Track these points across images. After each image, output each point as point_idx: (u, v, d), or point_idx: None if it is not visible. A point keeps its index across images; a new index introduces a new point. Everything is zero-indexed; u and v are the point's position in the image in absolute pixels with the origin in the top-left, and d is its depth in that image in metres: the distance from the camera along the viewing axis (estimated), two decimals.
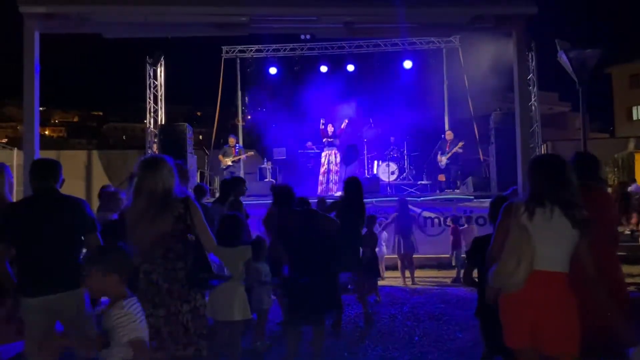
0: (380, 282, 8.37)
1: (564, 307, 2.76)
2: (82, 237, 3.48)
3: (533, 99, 13.44)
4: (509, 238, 2.89)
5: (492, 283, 2.96)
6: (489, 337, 3.78)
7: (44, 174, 3.51)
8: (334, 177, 12.56)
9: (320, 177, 12.81)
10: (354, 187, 6.25)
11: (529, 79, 13.11)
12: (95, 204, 8.98)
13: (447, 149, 13.06)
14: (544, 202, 2.82)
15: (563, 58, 7.54)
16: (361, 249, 6.39)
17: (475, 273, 3.90)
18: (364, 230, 6.83)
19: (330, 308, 4.52)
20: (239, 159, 13.46)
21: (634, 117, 39.12)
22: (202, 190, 6.62)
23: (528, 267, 2.79)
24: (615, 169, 16.42)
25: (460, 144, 13.05)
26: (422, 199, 10.98)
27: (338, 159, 12.80)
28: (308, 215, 4.69)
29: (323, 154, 12.98)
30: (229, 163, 13.33)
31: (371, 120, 14.56)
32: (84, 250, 3.65)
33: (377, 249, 8.80)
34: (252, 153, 14.57)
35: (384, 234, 9.24)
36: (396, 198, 9.64)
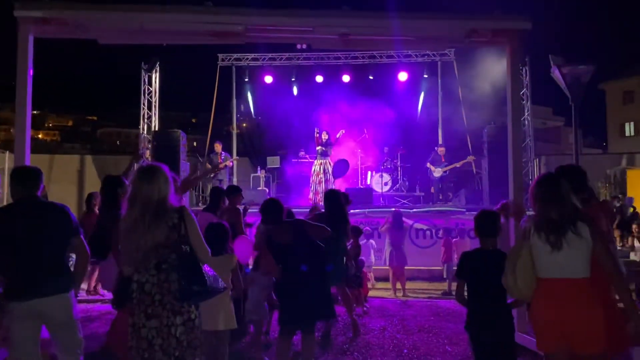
0: (370, 294, 8.37)
1: (588, 310, 2.98)
2: (67, 241, 3.51)
3: (526, 114, 13.54)
4: (518, 256, 3.16)
5: (510, 295, 3.28)
6: (478, 351, 3.77)
7: (25, 182, 3.54)
8: (331, 186, 12.52)
9: (316, 187, 12.75)
10: (333, 199, 6.25)
11: (523, 93, 13.22)
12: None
13: (442, 161, 13.08)
14: (551, 219, 3.06)
15: (556, 74, 7.58)
16: (345, 261, 6.36)
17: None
18: (349, 243, 6.86)
19: (324, 315, 4.45)
20: (225, 166, 13.44)
21: (627, 134, 39.43)
22: None
23: (526, 281, 3.10)
24: (607, 185, 16.51)
25: (471, 158, 13.09)
26: (414, 210, 10.99)
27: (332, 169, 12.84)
28: (297, 224, 4.67)
29: (317, 163, 12.94)
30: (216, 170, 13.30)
31: (365, 131, 14.62)
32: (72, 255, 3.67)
33: (364, 258, 8.86)
34: (238, 159, 14.56)
35: (373, 243, 9.25)
36: (393, 209, 9.64)
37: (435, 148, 13.67)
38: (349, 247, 6.83)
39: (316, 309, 4.33)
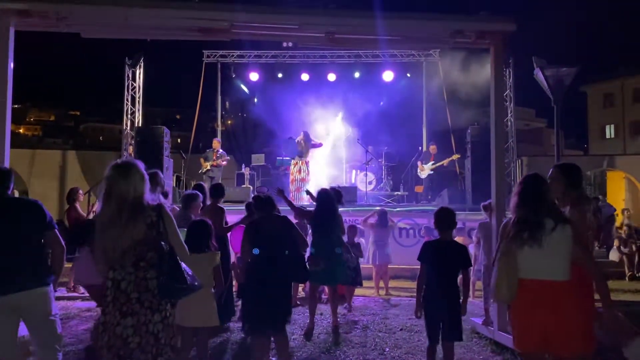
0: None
1: (567, 312, 3.00)
2: (41, 236, 3.51)
3: (509, 115, 13.67)
4: (498, 258, 3.22)
5: (492, 297, 3.38)
6: (429, 324, 4.34)
7: None
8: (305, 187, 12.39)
9: (294, 188, 12.64)
10: (324, 199, 6.28)
11: (506, 94, 13.34)
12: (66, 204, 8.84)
13: (431, 160, 13.13)
14: (533, 218, 3.09)
15: (539, 75, 7.67)
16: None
17: None
18: (345, 239, 7.01)
19: (284, 317, 4.47)
20: (218, 164, 13.40)
21: (607, 136, 40.05)
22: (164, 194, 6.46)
23: (511, 287, 3.11)
24: (588, 186, 16.76)
25: (456, 156, 13.16)
26: (398, 209, 11.04)
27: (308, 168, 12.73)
28: (287, 221, 4.70)
29: (293, 162, 12.80)
30: (208, 167, 13.27)
31: (350, 130, 14.62)
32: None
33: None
34: (229, 158, 14.52)
35: (362, 241, 9.26)
36: (378, 208, 9.67)
37: (420, 148, 13.71)
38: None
39: (277, 312, 4.35)
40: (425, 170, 13.18)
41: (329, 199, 6.31)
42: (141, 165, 3.19)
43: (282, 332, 4.46)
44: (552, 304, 3.02)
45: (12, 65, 5.36)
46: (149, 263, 3.04)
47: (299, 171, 12.51)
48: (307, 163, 12.64)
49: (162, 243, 3.08)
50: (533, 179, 3.26)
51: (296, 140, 12.67)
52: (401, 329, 6.25)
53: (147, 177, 3.18)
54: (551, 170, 3.74)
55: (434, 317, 4.31)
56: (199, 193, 5.87)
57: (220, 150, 13.74)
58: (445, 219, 4.36)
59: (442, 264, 4.23)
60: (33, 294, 3.36)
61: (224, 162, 13.66)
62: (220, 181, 12.71)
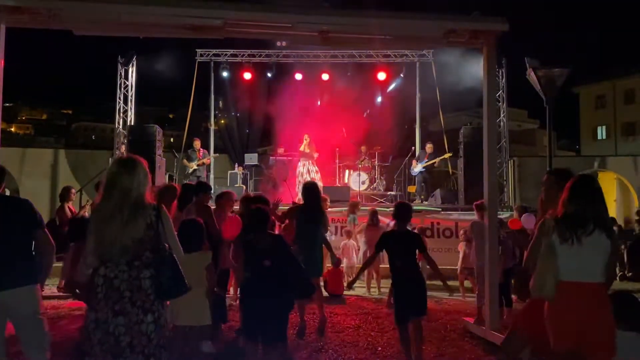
0: (345, 292, 8.39)
1: (604, 314, 3.04)
2: (29, 234, 3.50)
3: (502, 115, 13.72)
4: (540, 255, 3.23)
5: (532, 294, 3.38)
6: (397, 300, 4.93)
7: None
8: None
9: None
10: (311, 191, 6.26)
11: (499, 95, 13.39)
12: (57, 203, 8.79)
13: (425, 159, 13.16)
14: (580, 219, 3.10)
15: (531, 76, 7.72)
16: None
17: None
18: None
19: (278, 339, 4.32)
20: (203, 163, 13.42)
21: (599, 137, 40.28)
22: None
23: (553, 280, 3.12)
24: None
25: (447, 155, 13.21)
26: (390, 209, 11.03)
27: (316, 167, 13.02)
28: (281, 241, 4.56)
29: (300, 164, 13.09)
30: (194, 167, 13.26)
31: (344, 130, 14.63)
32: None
33: (346, 259, 8.89)
34: (217, 155, 14.52)
35: (353, 243, 9.26)
36: (368, 208, 9.69)
37: (412, 148, 13.73)
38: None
39: (269, 330, 4.20)
40: (417, 167, 13.22)
41: (315, 191, 6.31)
42: (145, 163, 3.17)
43: (276, 345, 4.31)
44: (591, 305, 3.04)
45: (2, 62, 5.32)
46: (143, 263, 2.99)
47: (308, 172, 12.76)
48: (314, 163, 13.01)
49: (163, 244, 3.04)
50: (590, 178, 3.31)
51: (304, 143, 13.07)
52: (393, 328, 6.22)
53: (149, 175, 3.15)
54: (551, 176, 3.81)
55: (402, 299, 4.84)
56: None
57: (202, 150, 13.80)
58: (404, 212, 4.97)
59: (398, 251, 4.81)
60: (21, 292, 3.34)
61: (208, 160, 13.73)
62: (205, 179, 12.74)
